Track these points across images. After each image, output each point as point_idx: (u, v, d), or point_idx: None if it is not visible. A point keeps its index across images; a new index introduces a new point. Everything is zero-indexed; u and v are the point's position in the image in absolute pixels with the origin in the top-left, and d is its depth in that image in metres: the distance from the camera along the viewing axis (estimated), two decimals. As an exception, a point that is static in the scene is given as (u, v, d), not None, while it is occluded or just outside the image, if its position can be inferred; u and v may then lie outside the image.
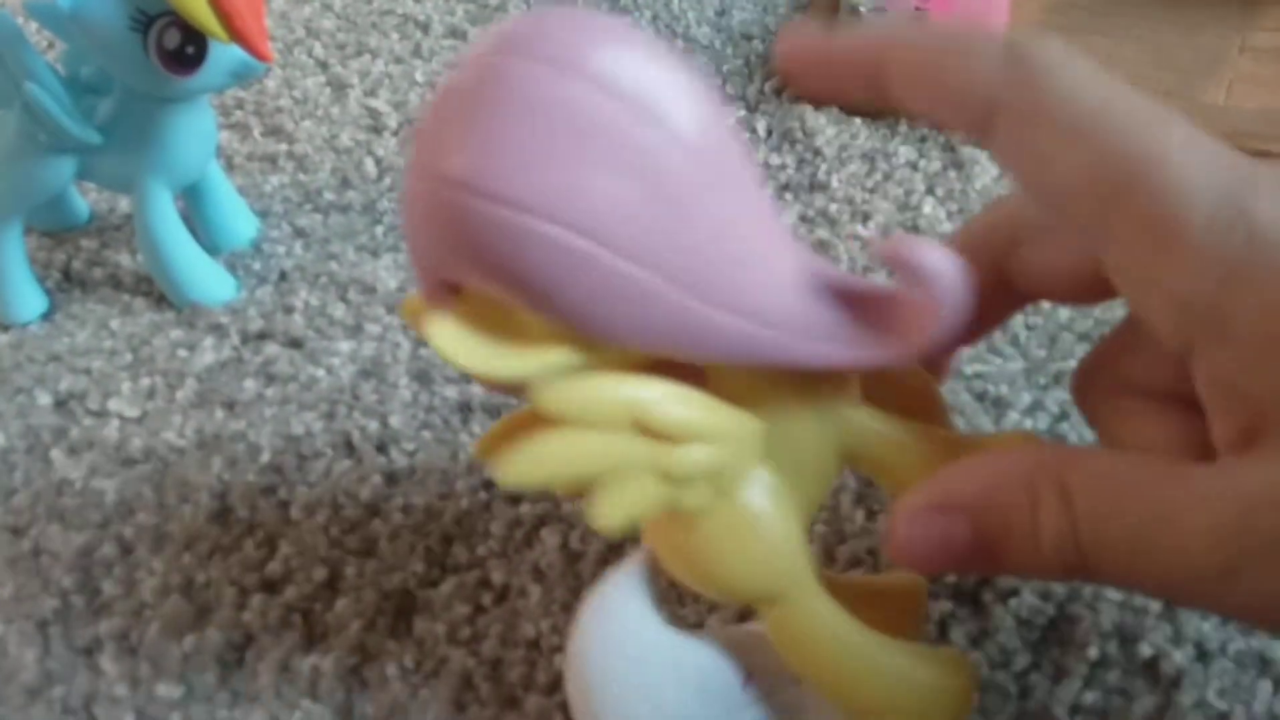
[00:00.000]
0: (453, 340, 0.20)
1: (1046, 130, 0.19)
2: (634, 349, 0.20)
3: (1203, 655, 0.27)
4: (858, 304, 0.21)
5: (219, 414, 0.36)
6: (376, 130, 0.47)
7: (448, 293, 0.20)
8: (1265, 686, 0.27)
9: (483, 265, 0.19)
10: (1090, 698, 0.27)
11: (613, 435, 0.20)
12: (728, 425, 0.21)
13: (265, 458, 0.34)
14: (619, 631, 0.24)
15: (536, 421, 0.20)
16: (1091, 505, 0.20)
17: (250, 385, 0.37)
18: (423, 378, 0.36)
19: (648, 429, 0.20)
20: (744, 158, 0.21)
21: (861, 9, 0.46)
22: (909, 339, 0.21)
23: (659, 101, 0.19)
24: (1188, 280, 0.19)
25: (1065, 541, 0.20)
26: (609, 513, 0.20)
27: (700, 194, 0.19)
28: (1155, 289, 0.19)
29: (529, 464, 0.20)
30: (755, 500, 0.22)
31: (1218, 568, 0.19)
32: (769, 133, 0.45)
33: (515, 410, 0.25)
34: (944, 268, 0.20)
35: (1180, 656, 0.27)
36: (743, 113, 0.46)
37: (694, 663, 0.24)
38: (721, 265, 0.20)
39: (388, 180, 0.44)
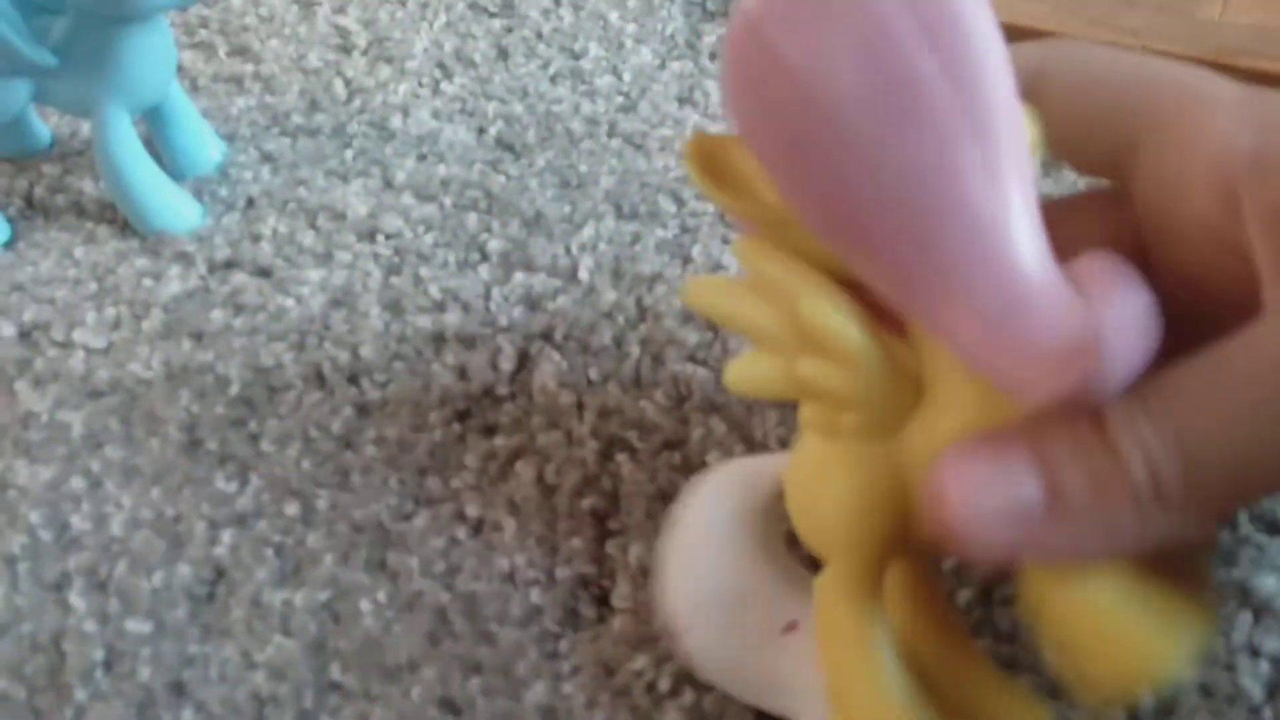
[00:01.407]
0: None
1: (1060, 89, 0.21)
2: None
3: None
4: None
5: (186, 345, 0.35)
6: (345, 50, 0.45)
7: None
8: (1246, 618, 0.27)
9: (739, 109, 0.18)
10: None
11: (768, 308, 0.20)
12: (868, 365, 0.20)
13: (234, 390, 0.34)
14: (691, 530, 0.25)
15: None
16: (1186, 416, 0.18)
17: (218, 315, 0.36)
18: (394, 307, 0.35)
19: (794, 320, 0.20)
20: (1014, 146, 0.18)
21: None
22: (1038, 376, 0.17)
23: (957, 49, 0.17)
24: (1227, 137, 0.19)
25: (1166, 470, 0.17)
26: (733, 377, 0.21)
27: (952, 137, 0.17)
28: (1195, 163, 0.20)
29: (700, 289, 0.21)
30: (846, 451, 0.21)
31: None
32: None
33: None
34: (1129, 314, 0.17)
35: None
36: (724, 30, 0.44)
37: (739, 588, 0.24)
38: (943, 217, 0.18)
39: (357, 102, 0.43)
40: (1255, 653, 0.27)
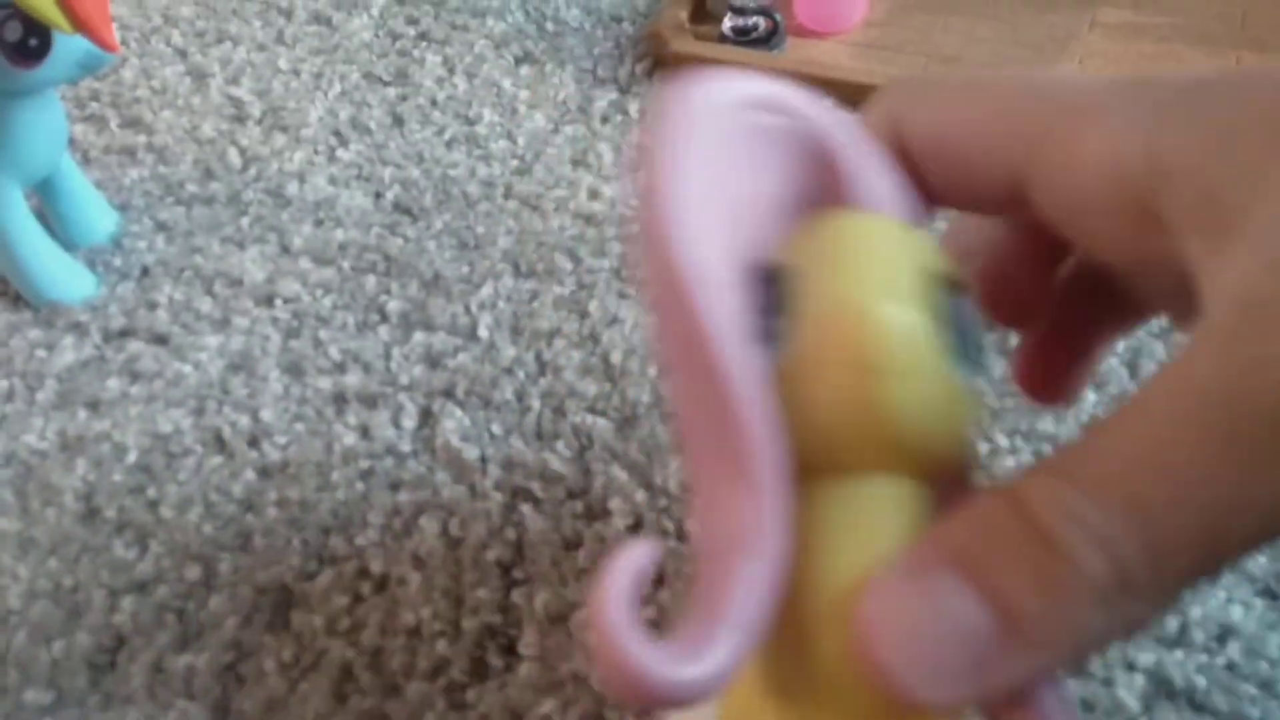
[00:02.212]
0: None
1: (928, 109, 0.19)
2: None
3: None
4: None
5: (82, 414, 0.35)
6: (240, 119, 0.46)
7: None
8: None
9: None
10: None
11: None
12: None
13: (132, 457, 0.33)
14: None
15: None
16: (1134, 484, 0.15)
17: (114, 384, 0.36)
18: (294, 370, 0.36)
19: None
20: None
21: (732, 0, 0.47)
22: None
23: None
24: (1113, 147, 0.17)
25: (1128, 555, 0.14)
26: None
27: None
28: (1086, 183, 0.17)
29: None
30: None
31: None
32: (641, 114, 0.45)
33: None
34: None
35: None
36: (615, 95, 0.46)
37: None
38: None
39: (253, 170, 0.43)
40: (1131, 667, 0.28)
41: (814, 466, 0.16)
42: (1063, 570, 0.14)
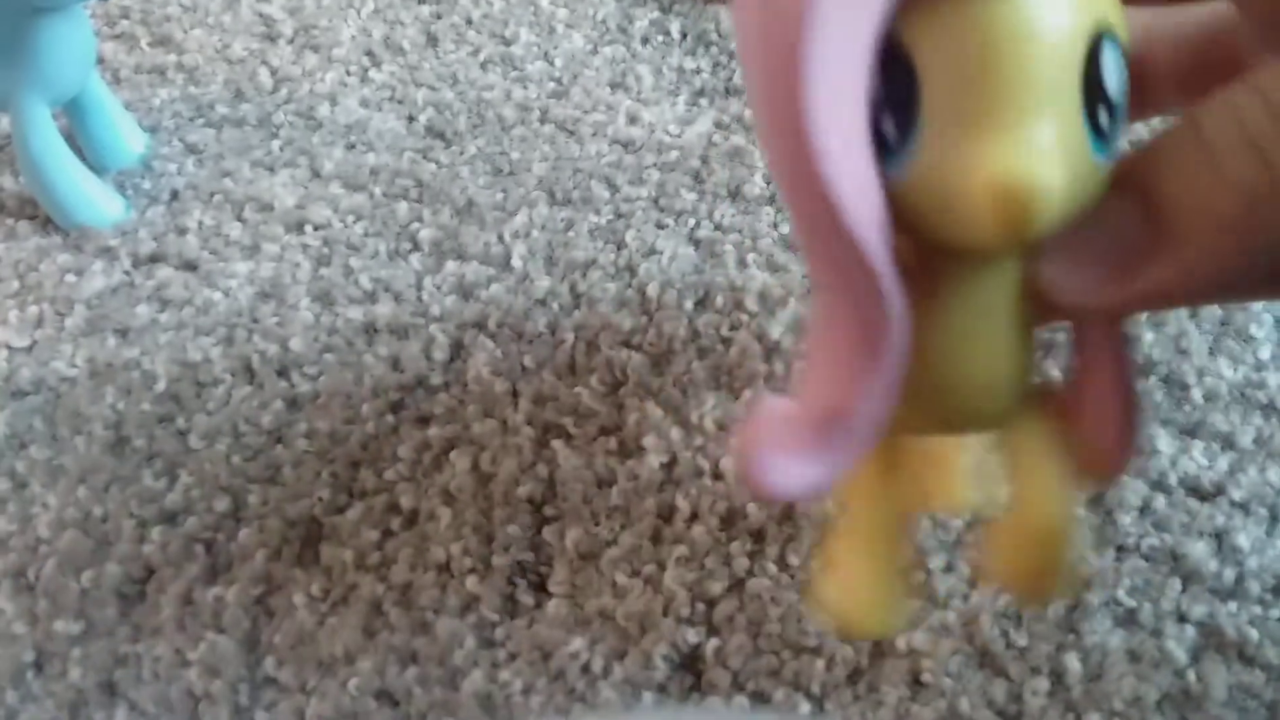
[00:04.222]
0: None
1: None
2: None
3: (1120, 550, 0.28)
4: None
5: (111, 341, 0.34)
6: (271, 39, 0.45)
7: None
8: (1175, 584, 0.27)
9: None
10: (1004, 598, 0.27)
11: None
12: None
13: (161, 386, 0.33)
14: None
15: None
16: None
17: (143, 311, 0.35)
18: (324, 298, 0.35)
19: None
20: None
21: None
22: None
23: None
24: None
25: (1265, 185, 0.15)
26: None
27: None
28: None
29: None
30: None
31: None
32: (683, 35, 0.44)
33: None
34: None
35: (1095, 558, 0.28)
36: (656, 14, 0.44)
37: None
38: None
39: (283, 91, 0.42)
40: (1182, 619, 0.27)
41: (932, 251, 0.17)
42: (1213, 167, 0.15)
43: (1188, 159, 0.15)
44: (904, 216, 0.16)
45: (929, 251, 0.17)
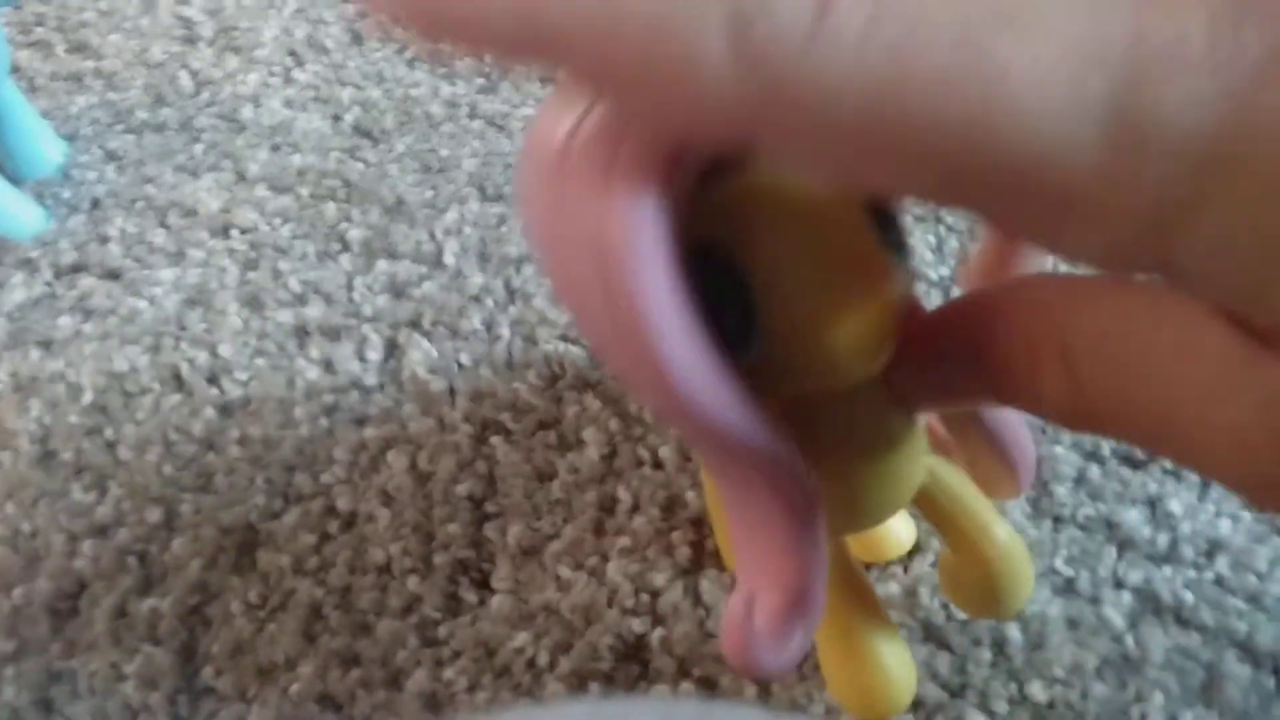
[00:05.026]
0: None
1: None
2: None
3: (1057, 521, 0.28)
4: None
5: (34, 354, 0.34)
6: (190, 41, 0.44)
7: None
8: (1110, 551, 0.28)
9: None
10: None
11: None
12: None
13: (88, 397, 0.32)
14: None
15: None
16: (1096, 377, 0.15)
17: (66, 322, 0.34)
18: (253, 303, 0.34)
19: None
20: None
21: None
22: None
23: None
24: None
25: (1068, 403, 0.16)
26: None
27: None
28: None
29: None
30: None
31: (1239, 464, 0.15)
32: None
33: None
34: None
35: (1032, 529, 0.28)
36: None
37: None
38: None
39: (205, 94, 0.41)
40: (1119, 585, 0.27)
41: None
42: (1028, 386, 0.16)
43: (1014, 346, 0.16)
44: (763, 384, 0.17)
45: (789, 400, 0.18)
